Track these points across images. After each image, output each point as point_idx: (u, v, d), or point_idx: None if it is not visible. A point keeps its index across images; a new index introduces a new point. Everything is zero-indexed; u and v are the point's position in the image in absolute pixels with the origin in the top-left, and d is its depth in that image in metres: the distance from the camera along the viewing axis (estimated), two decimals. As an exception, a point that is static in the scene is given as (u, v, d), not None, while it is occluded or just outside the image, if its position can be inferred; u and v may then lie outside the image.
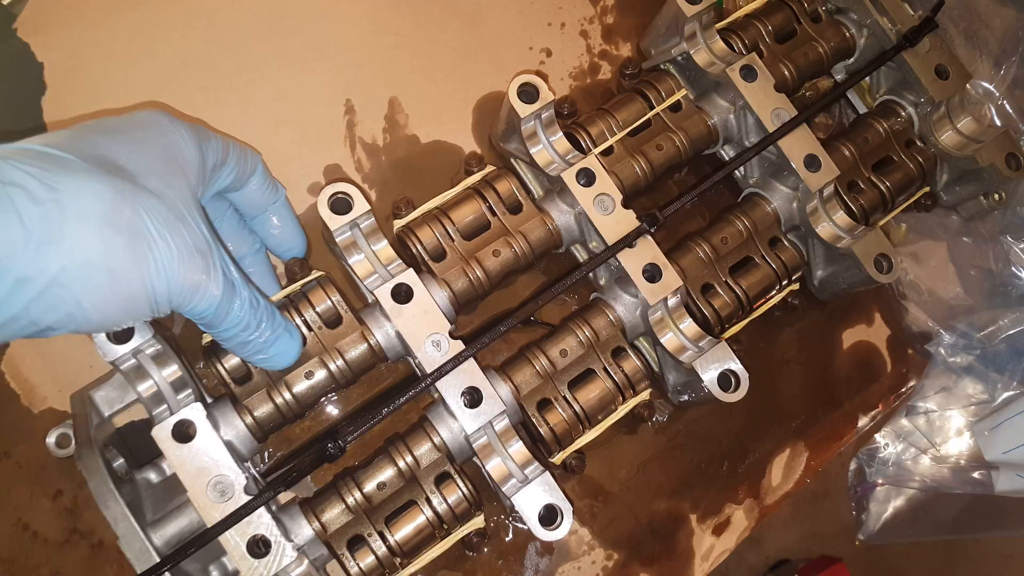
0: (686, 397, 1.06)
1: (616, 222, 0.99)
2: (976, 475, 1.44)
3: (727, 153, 1.15)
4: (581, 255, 1.10)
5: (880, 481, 1.55)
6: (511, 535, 1.07)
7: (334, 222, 0.91)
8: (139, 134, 0.76)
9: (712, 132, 1.10)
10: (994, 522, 1.71)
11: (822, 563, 2.64)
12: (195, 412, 0.84)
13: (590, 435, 1.01)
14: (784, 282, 1.09)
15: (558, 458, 1.00)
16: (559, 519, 0.90)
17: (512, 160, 1.11)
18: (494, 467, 0.92)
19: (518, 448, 0.93)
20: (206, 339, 0.93)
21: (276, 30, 1.11)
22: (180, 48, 1.08)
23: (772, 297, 1.09)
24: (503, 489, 0.91)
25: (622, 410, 1.02)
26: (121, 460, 0.90)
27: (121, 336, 0.84)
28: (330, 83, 1.11)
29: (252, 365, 0.90)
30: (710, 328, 1.05)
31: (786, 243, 1.10)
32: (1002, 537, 1.77)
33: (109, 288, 0.67)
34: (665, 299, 0.99)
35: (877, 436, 1.43)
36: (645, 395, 1.03)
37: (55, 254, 0.63)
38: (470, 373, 0.92)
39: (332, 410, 1.05)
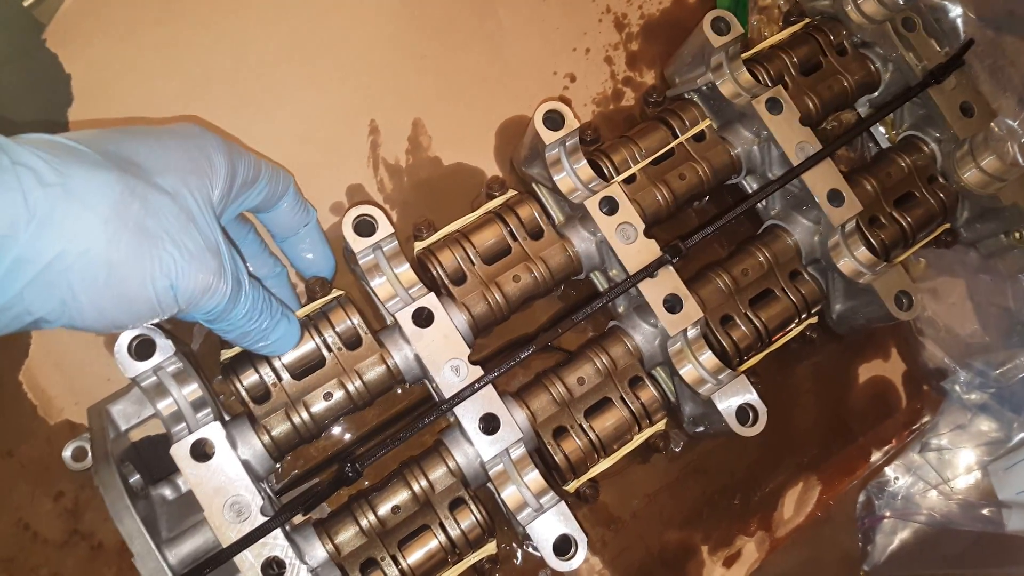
0: (702, 428, 1.05)
1: (638, 251, 0.99)
2: (986, 512, 1.43)
3: (749, 183, 1.15)
4: (600, 282, 1.10)
5: (888, 513, 1.54)
6: (521, 560, 1.06)
7: (357, 244, 0.92)
8: (166, 137, 0.76)
9: (735, 163, 1.10)
10: (1001, 558, 1.70)
11: (823, 589, 2.62)
12: (214, 431, 0.84)
13: (605, 464, 1.00)
14: (803, 315, 1.09)
15: (572, 486, 1.00)
16: (573, 549, 0.89)
17: (533, 185, 1.11)
18: (509, 495, 0.92)
19: (534, 477, 0.93)
20: (225, 356, 0.93)
21: (302, 50, 1.11)
22: (206, 64, 1.09)
23: (791, 330, 1.09)
24: (518, 518, 0.90)
25: (638, 440, 1.02)
26: (137, 476, 0.90)
27: (142, 352, 0.84)
28: (355, 104, 1.11)
29: (255, 353, 0.89)
30: (728, 359, 1.04)
31: (806, 276, 1.09)
32: (1010, 574, 1.76)
33: (106, 281, 0.66)
34: (685, 330, 0.99)
35: (887, 469, 1.42)
36: (661, 425, 1.03)
37: (55, 237, 0.62)
38: (488, 399, 0.92)
39: (346, 430, 1.05)
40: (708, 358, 1.00)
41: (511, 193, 1.05)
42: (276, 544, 0.83)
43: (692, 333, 1.00)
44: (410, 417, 1.06)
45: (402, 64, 1.14)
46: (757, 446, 1.14)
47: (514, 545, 1.06)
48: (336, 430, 1.05)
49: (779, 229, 1.10)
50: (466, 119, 1.15)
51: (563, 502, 0.91)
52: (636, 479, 1.10)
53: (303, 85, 1.10)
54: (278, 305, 0.87)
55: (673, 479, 1.11)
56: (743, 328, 1.05)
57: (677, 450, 1.12)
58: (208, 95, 1.08)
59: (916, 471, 1.43)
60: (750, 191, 1.13)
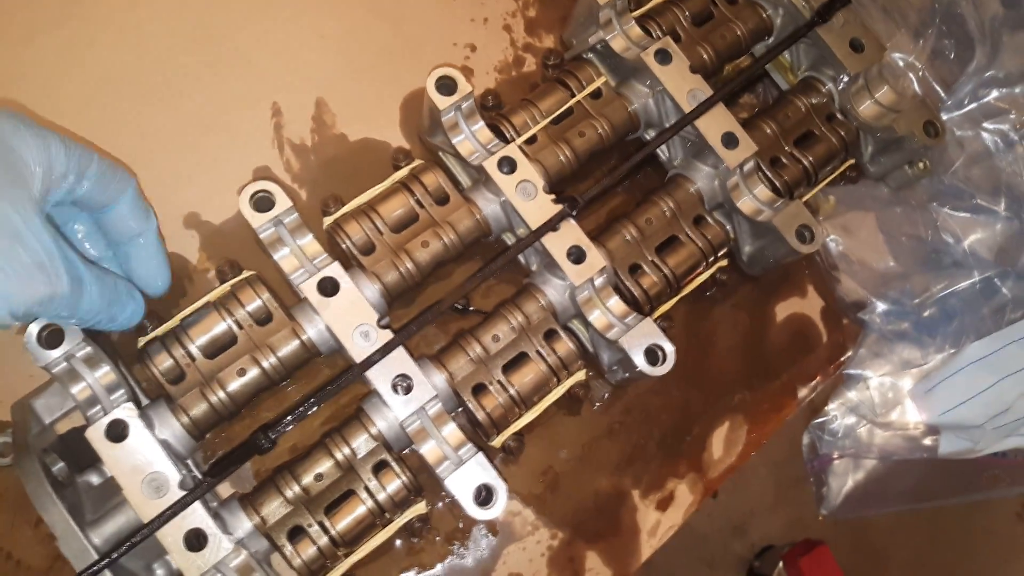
0: (621, 375, 1.08)
1: (539, 207, 1.02)
2: (927, 441, 1.47)
3: (650, 137, 1.17)
4: (512, 242, 1.12)
5: (836, 454, 1.57)
6: (461, 522, 1.09)
7: (256, 220, 0.94)
8: None
9: (633, 117, 1.13)
10: (952, 488, 1.74)
11: (805, 546, 2.67)
12: (127, 412, 0.86)
13: (527, 417, 1.03)
14: (711, 259, 1.12)
15: (497, 441, 1.02)
16: (494, 498, 0.92)
17: (440, 154, 1.13)
18: (429, 451, 0.94)
19: (451, 430, 0.95)
20: (141, 341, 0.95)
21: (202, 40, 1.13)
22: (108, 62, 1.10)
23: (700, 273, 1.12)
24: (437, 471, 0.93)
25: (558, 391, 1.04)
26: (61, 464, 0.92)
27: (52, 341, 0.86)
28: (257, 88, 1.13)
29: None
30: (640, 308, 1.07)
31: (711, 221, 1.12)
32: (963, 502, 1.80)
33: None
34: (591, 279, 1.01)
35: (827, 408, 1.45)
36: (580, 375, 1.05)
37: None
38: (400, 361, 0.95)
39: (272, 406, 1.07)
40: (615, 303, 1.02)
41: (416, 162, 1.08)
42: (196, 517, 0.85)
43: (599, 281, 1.02)
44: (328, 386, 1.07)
45: (301, 45, 1.16)
46: (681, 390, 1.17)
47: (448, 501, 1.08)
48: (264, 409, 1.07)
49: (681, 178, 1.13)
50: (370, 94, 1.17)
51: (481, 453, 0.93)
52: (565, 431, 1.13)
53: (203, 74, 1.12)
54: (123, 286, 0.88)
55: (602, 429, 1.14)
56: (652, 276, 1.08)
57: (604, 399, 1.14)
58: (111, 93, 1.09)
59: (853, 409, 1.46)
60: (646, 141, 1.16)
